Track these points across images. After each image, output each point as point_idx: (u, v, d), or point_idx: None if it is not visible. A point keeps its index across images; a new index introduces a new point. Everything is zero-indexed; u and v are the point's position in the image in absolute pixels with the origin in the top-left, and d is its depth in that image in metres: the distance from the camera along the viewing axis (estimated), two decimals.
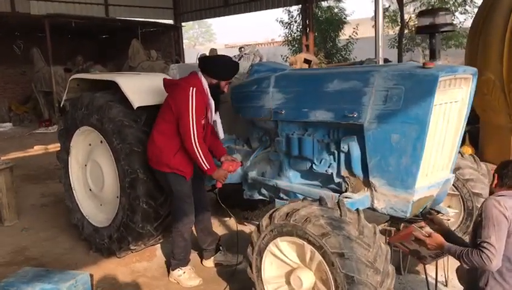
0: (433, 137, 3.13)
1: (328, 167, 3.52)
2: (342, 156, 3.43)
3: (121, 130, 4.01)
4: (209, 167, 3.61)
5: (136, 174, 3.94)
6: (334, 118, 3.35)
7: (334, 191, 3.61)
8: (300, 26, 18.53)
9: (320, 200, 2.85)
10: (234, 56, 4.54)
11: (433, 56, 3.09)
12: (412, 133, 2.99)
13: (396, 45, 21.14)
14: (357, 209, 2.82)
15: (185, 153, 3.63)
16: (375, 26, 4.55)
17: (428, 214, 3.32)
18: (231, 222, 5.32)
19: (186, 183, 3.73)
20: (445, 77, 2.97)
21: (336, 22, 19.79)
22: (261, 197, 4.23)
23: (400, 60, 17.52)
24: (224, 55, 3.94)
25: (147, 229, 4.08)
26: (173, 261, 3.88)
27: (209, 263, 4.19)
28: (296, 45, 19.60)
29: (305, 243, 2.72)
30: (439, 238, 2.79)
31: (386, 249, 2.75)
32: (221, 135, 3.93)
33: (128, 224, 4.08)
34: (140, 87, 4.11)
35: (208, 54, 17.29)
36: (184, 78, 3.71)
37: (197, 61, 3.82)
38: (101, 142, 4.32)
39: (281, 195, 3.91)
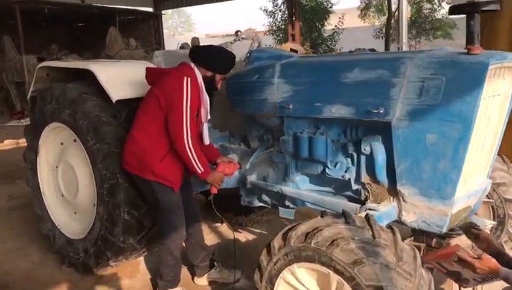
0: (474, 137, 2.61)
1: (345, 171, 2.98)
2: (363, 159, 2.89)
3: (98, 128, 3.40)
4: (203, 170, 3.05)
5: (116, 179, 3.35)
6: (355, 114, 2.80)
7: (351, 199, 3.08)
8: (285, 15, 17.95)
9: (346, 217, 2.32)
10: (228, 42, 3.94)
11: (471, 41, 2.56)
12: (454, 132, 2.47)
13: (382, 35, 20.78)
14: (391, 228, 2.30)
15: (174, 157, 3.05)
16: (399, 7, 4.04)
17: (467, 228, 2.80)
18: (223, 228, 4.76)
19: (175, 194, 3.15)
20: (495, 64, 2.45)
21: (321, 11, 19.26)
22: (261, 204, 3.68)
23: (387, 46, 17.12)
24: (219, 46, 3.36)
25: (128, 243, 3.49)
26: (160, 282, 3.31)
27: (203, 281, 3.62)
28: (281, 35, 19.01)
29: (331, 271, 2.18)
30: (491, 261, 2.29)
31: (428, 278, 2.23)
32: (207, 141, 3.37)
33: (107, 237, 3.49)
34: (120, 77, 3.50)
35: (190, 44, 16.63)
36: (175, 68, 3.13)
37: (185, 50, 3.23)
38: (75, 141, 3.70)
39: (287, 203, 3.37)
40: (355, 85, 2.79)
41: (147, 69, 3.17)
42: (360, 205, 2.84)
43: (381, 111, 2.66)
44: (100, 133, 3.39)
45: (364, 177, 2.91)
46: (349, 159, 2.98)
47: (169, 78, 2.98)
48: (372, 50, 15.69)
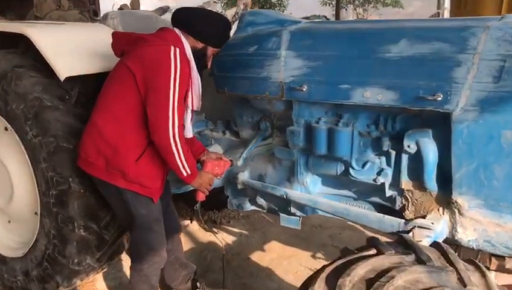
0: None
1: (378, 173, 2.31)
2: (404, 158, 2.23)
3: (39, 114, 2.51)
4: (190, 173, 2.28)
5: (67, 184, 2.49)
6: (399, 101, 2.11)
7: (381, 209, 2.43)
8: None
9: (416, 252, 1.65)
10: (210, 1, 3.08)
11: None
12: None
13: (330, 2, 20.23)
14: (479, 268, 1.65)
15: (154, 156, 2.25)
16: None
17: None
18: (194, 228, 4.00)
19: (154, 204, 2.36)
20: None
21: None
22: (254, 209, 2.96)
23: (337, 17, 16.56)
24: (212, 11, 2.56)
25: (85, 264, 2.68)
26: None
27: None
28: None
29: None
30: None
31: None
32: (190, 132, 2.53)
33: (55, 258, 2.65)
34: (70, 45, 2.60)
35: (129, 6, 15.18)
36: (154, 34, 2.28)
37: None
38: (6, 129, 2.78)
39: (292, 209, 2.67)
40: (401, 62, 2.09)
41: (115, 34, 2.31)
42: (404, 220, 2.19)
43: (438, 98, 1.98)
44: (43, 122, 2.50)
45: (405, 182, 2.25)
46: (383, 158, 2.31)
47: (150, 48, 2.15)
48: (325, 17, 15.12)
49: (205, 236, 3.82)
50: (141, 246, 2.38)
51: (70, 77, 2.49)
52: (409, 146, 2.16)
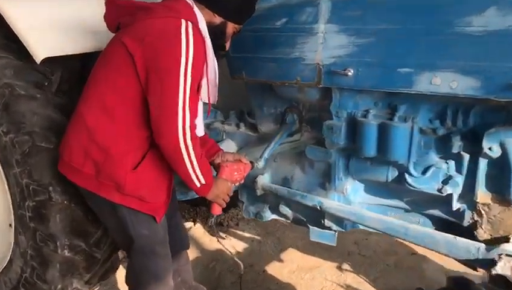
0: None
1: (445, 182, 1.81)
2: (482, 164, 1.73)
3: (10, 106, 1.98)
4: (204, 183, 1.77)
5: (47, 194, 1.97)
6: (481, 89, 1.59)
7: (442, 223, 1.95)
8: None
9: None
10: None
11: None
12: None
13: None
14: None
15: (156, 163, 1.74)
16: None
17: None
18: (198, 232, 3.50)
19: (157, 224, 1.84)
20: None
21: None
22: (276, 218, 2.46)
23: None
24: None
25: (72, 289, 2.18)
26: None
27: None
28: None
29: None
30: None
31: None
32: (201, 130, 1.94)
33: (34, 284, 2.15)
34: (50, 19, 2.06)
35: None
36: (163, 3, 1.73)
37: None
38: None
39: (326, 222, 2.17)
40: (487, 38, 1.57)
41: (109, 2, 1.77)
42: (484, 245, 1.70)
43: None
44: (15, 116, 1.97)
45: (482, 194, 1.76)
46: (452, 163, 1.81)
47: (154, 21, 1.61)
48: None
49: (212, 242, 3.33)
50: (142, 274, 1.87)
51: (49, 58, 1.95)
52: (490, 148, 1.66)
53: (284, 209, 2.31)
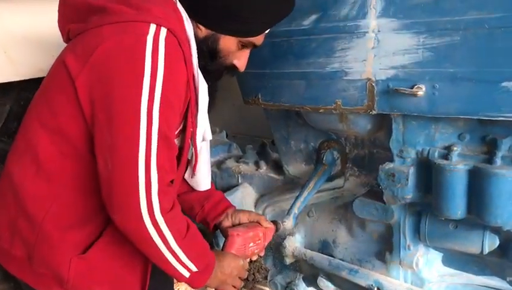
0: None
1: None
2: None
3: None
4: (197, 270, 1.14)
5: None
6: None
7: None
8: None
9: None
10: None
11: None
12: None
13: None
14: None
15: (122, 242, 1.10)
16: None
17: None
18: None
19: None
20: None
21: None
22: None
23: None
24: None
25: None
26: None
27: None
28: None
29: None
30: None
31: None
32: (204, 183, 1.42)
33: None
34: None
35: None
36: (128, 1, 1.10)
37: None
38: None
39: None
40: None
41: (60, 3, 1.17)
42: None
43: None
44: None
45: None
46: None
47: (109, 27, 1.02)
48: None
49: None
50: None
51: None
52: None
53: (325, 283, 1.66)
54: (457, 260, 1.42)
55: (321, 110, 1.43)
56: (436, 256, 1.44)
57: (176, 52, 1.03)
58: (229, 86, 2.02)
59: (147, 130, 0.96)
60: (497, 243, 1.26)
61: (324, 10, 1.33)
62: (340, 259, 1.57)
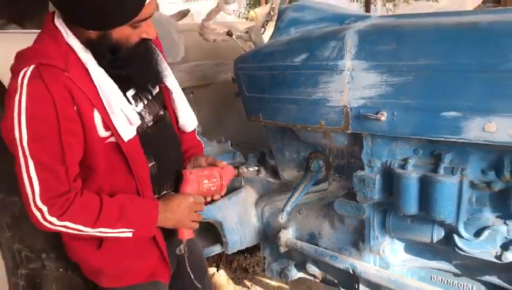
0: None
1: (505, 247, 1.49)
2: None
3: None
4: (134, 230, 1.36)
5: (41, 261, 1.75)
6: None
7: None
8: None
9: None
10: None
11: None
12: None
13: None
14: None
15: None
16: None
17: None
18: (221, 280, 3.22)
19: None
20: None
21: None
22: (304, 276, 2.16)
23: (368, 9, 15.58)
24: None
25: None
26: None
27: None
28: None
29: None
30: None
31: None
32: (189, 123, 1.65)
33: None
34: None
35: None
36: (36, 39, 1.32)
37: None
38: None
39: (361, 288, 1.86)
40: None
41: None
42: None
43: None
44: (4, 175, 1.76)
45: None
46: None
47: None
48: None
49: None
50: None
51: None
52: None
53: (312, 268, 2.02)
54: (415, 248, 1.77)
55: (309, 128, 1.79)
56: (399, 245, 1.79)
57: (37, 84, 1.19)
58: (234, 105, 2.38)
59: (24, 161, 1.22)
60: (443, 233, 1.61)
61: (311, 51, 1.70)
62: (324, 248, 1.92)
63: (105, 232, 1.32)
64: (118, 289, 1.49)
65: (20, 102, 1.18)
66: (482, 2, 9.33)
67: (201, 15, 2.54)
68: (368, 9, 15.60)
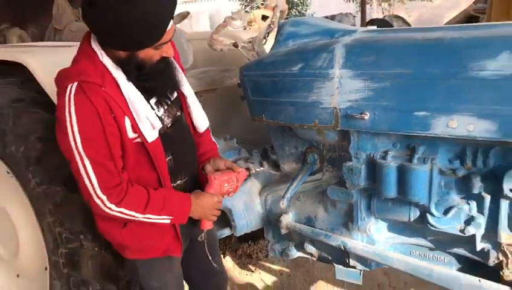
0: None
1: (467, 222, 1.80)
2: (504, 206, 1.73)
3: (42, 159, 2.09)
4: (172, 217, 1.68)
5: (79, 242, 2.06)
6: (498, 132, 1.61)
7: (468, 262, 1.93)
8: None
9: None
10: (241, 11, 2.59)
11: None
12: None
13: None
14: None
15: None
16: None
17: None
18: (227, 265, 3.54)
19: (171, 275, 1.91)
20: None
21: None
22: (302, 255, 2.48)
23: (363, 13, 15.92)
24: None
25: None
26: None
27: None
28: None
29: None
30: None
31: None
32: (202, 123, 1.97)
33: None
34: None
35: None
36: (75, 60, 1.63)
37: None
38: (8, 172, 2.36)
39: (351, 261, 2.18)
40: (502, 82, 1.58)
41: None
42: (509, 288, 1.68)
43: None
44: (48, 168, 2.07)
45: (505, 236, 1.75)
46: (473, 204, 1.80)
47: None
48: (350, 14, 14.49)
49: (241, 276, 3.35)
50: None
51: None
52: (511, 190, 1.65)
53: (309, 247, 2.33)
54: (396, 227, 2.08)
55: (305, 127, 2.11)
56: (382, 224, 2.10)
57: (81, 97, 1.47)
58: (239, 107, 2.69)
59: (80, 160, 1.50)
60: (418, 213, 1.92)
61: (307, 62, 2.01)
62: (319, 229, 2.24)
63: (151, 218, 1.63)
64: (139, 261, 1.81)
65: (70, 113, 1.46)
66: (474, 3, 9.63)
67: (201, 15, 2.84)
68: (363, 9, 15.97)
